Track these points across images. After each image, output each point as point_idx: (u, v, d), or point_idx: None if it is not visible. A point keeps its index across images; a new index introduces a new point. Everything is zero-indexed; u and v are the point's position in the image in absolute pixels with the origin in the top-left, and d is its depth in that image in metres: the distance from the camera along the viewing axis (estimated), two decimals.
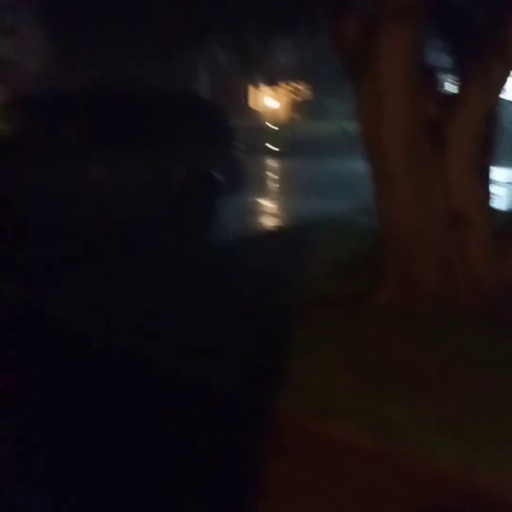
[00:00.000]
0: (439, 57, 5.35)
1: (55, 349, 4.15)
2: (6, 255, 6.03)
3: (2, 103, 8.85)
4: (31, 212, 6.13)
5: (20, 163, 6.24)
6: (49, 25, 14.11)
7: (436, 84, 4.84)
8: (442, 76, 5.27)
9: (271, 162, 18.16)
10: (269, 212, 10.04)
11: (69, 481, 2.79)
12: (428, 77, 4.70)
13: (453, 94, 4.84)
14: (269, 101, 30.46)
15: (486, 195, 4.73)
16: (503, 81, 4.54)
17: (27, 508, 2.63)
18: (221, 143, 8.35)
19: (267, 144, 20.99)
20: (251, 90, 31.68)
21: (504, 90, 4.66)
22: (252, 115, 30.91)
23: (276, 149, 20.52)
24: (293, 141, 21.48)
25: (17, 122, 7.31)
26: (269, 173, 15.87)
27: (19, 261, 6.16)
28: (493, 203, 4.98)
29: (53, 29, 14.15)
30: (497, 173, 4.95)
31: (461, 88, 4.72)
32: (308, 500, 2.63)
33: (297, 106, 30.33)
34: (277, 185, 13.94)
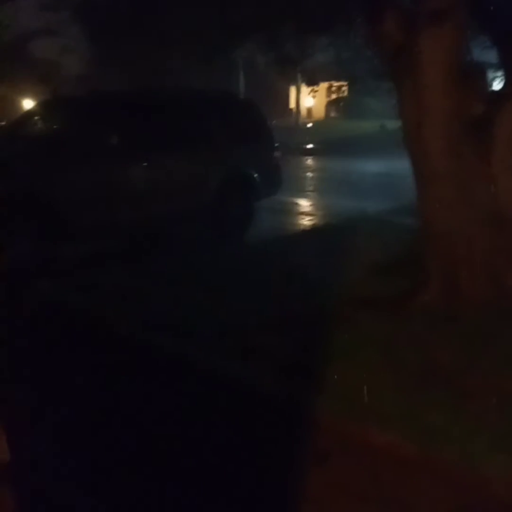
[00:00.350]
0: (485, 54, 5.23)
1: (92, 346, 4.20)
2: (46, 253, 6.12)
3: (43, 103, 9.01)
4: (71, 211, 6.21)
5: (60, 163, 6.33)
6: (89, 26, 14.28)
7: (480, 82, 4.72)
8: (488, 74, 5.14)
9: (309, 161, 18.08)
10: (307, 211, 9.98)
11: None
12: (472, 75, 4.59)
13: (498, 92, 4.72)
14: (307, 100, 30.35)
15: None
16: None
17: None
18: (258, 142, 8.34)
19: (305, 143, 20.90)
20: (289, 89, 31.62)
21: None
22: (290, 114, 30.83)
23: (314, 148, 20.42)
24: (331, 140, 21.35)
25: (57, 122, 7.43)
26: (307, 173, 15.80)
27: (59, 260, 6.26)
28: None
29: (93, 30, 14.33)
30: None
31: (506, 85, 4.60)
32: (350, 508, 2.60)
33: (335, 105, 30.14)
34: (316, 185, 13.87)
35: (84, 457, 2.98)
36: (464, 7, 4.23)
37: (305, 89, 28.79)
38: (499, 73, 5.31)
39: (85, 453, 3.00)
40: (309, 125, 29.33)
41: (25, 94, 20.83)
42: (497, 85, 5.28)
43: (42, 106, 8.42)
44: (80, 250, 6.80)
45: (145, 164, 6.98)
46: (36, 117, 7.83)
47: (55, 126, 7.36)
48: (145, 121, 7.11)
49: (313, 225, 8.38)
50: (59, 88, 18.04)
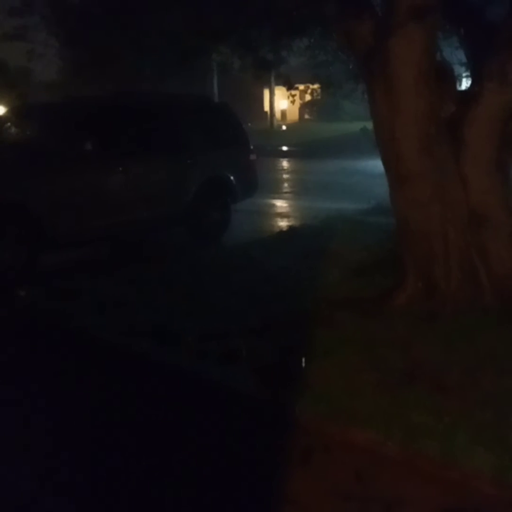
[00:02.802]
0: (456, 53, 5.28)
1: (74, 355, 4.17)
2: (25, 262, 6.04)
3: (15, 109, 8.89)
4: (50, 219, 6.14)
5: (37, 169, 6.26)
6: (60, 31, 14.08)
7: (452, 82, 4.78)
8: (459, 73, 5.20)
9: (285, 163, 18.13)
10: (284, 213, 10.01)
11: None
12: (444, 75, 4.64)
13: (469, 92, 4.78)
14: (281, 103, 30.45)
15: (507, 193, 4.65)
16: None
17: None
18: (234, 146, 8.35)
19: (280, 146, 20.98)
20: (263, 92, 31.70)
21: None
22: (264, 117, 30.91)
23: (290, 151, 20.49)
24: (306, 142, 21.44)
25: (31, 128, 7.35)
26: (283, 175, 15.84)
27: (38, 269, 6.19)
28: None
29: (64, 36, 14.15)
30: None
31: (477, 85, 4.65)
32: (333, 508, 2.60)
33: (309, 108, 30.28)
34: (292, 186, 13.90)
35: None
36: (439, 7, 4.27)
37: (279, 92, 28.92)
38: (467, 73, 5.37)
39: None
40: (284, 127, 29.46)
41: None
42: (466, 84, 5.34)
43: (15, 112, 8.31)
44: (60, 257, 6.73)
45: (122, 169, 6.93)
46: (8, 123, 7.73)
47: (29, 133, 7.28)
48: (121, 127, 7.06)
49: (291, 226, 8.40)
50: (29, 94, 17.82)
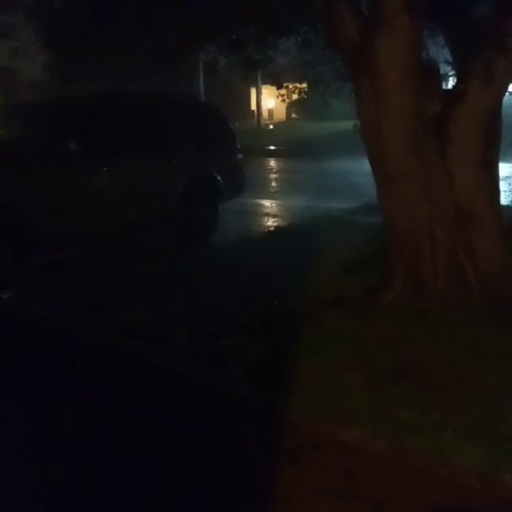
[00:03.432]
0: (442, 52, 5.29)
1: (59, 353, 4.15)
2: (13, 262, 6.00)
3: (0, 110, 8.82)
4: (37, 219, 6.10)
5: (22, 170, 6.21)
6: (44, 29, 13.97)
7: (437, 81, 4.80)
8: (445, 72, 5.22)
9: (272, 163, 18.13)
10: (272, 213, 10.01)
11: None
12: (430, 74, 4.66)
13: (455, 90, 4.79)
14: (269, 102, 30.46)
15: (494, 191, 4.69)
16: (507, 76, 4.48)
17: None
18: (221, 145, 8.34)
19: (267, 145, 20.98)
20: (250, 91, 31.68)
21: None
22: (251, 116, 30.92)
23: (277, 150, 20.50)
24: (294, 141, 21.47)
25: (16, 128, 7.29)
26: (271, 174, 15.85)
27: (26, 269, 6.14)
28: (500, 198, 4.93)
29: (49, 34, 14.03)
30: (502, 169, 4.91)
31: (462, 84, 4.67)
32: (324, 506, 2.61)
33: (296, 107, 30.29)
34: (280, 186, 13.91)
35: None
36: (424, 5, 4.28)
37: (266, 91, 28.92)
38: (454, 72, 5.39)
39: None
40: (271, 126, 29.50)
41: None
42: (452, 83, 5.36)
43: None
44: (47, 258, 6.69)
45: (108, 169, 6.89)
46: None
47: (14, 132, 7.22)
48: (107, 126, 7.01)
49: (279, 226, 8.41)
50: (14, 93, 17.71)
